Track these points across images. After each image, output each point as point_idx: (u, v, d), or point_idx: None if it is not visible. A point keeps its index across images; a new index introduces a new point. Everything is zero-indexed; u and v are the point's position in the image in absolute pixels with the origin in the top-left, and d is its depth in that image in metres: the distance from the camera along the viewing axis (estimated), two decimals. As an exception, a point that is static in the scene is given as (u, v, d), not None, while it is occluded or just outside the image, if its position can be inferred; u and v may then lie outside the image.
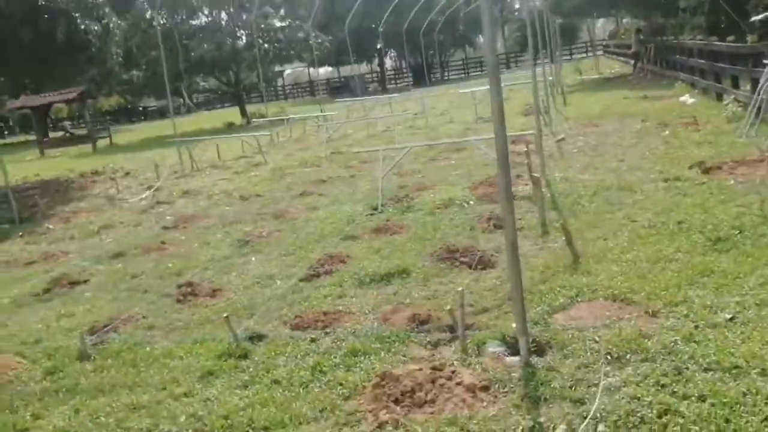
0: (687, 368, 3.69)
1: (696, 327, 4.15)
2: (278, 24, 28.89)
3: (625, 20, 46.96)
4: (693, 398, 3.39)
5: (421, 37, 42.40)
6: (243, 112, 30.88)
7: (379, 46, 48.64)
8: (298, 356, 4.53)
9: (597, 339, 4.16)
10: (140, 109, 60.62)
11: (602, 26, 65.73)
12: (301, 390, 4.06)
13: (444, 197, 8.49)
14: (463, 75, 58.83)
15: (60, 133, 32.11)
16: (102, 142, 27.96)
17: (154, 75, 30.06)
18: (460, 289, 4.54)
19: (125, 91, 52.77)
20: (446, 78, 56.69)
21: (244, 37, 28.95)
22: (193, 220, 9.44)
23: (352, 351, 4.46)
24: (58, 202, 12.79)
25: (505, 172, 4.15)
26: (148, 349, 5.00)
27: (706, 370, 3.65)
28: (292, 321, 5.20)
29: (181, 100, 57.56)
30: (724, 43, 13.94)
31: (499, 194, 7.66)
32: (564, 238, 6.01)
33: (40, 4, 11.93)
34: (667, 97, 16.34)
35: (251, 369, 4.43)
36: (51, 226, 10.34)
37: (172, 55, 27.57)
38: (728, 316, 4.24)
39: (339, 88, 52.37)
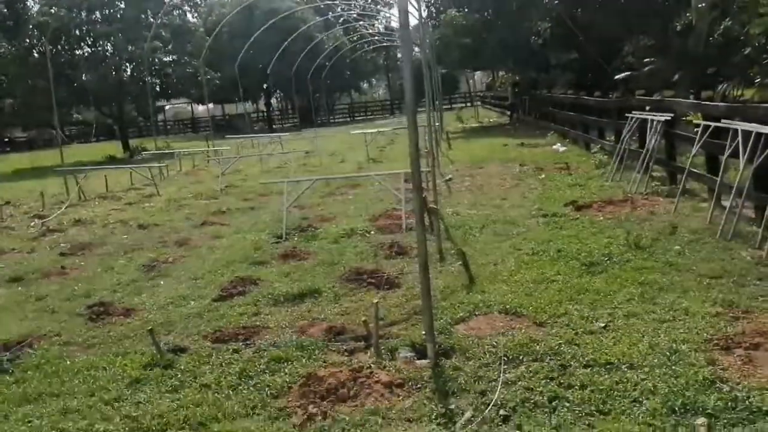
0: (570, 365, 4.34)
1: (576, 333, 4.85)
2: (166, 59, 28.68)
3: (501, 73, 49.93)
4: (576, 387, 4.03)
5: (308, 81, 43.27)
6: (126, 146, 30.22)
7: (265, 86, 49.08)
8: (223, 364, 4.83)
9: (494, 344, 4.76)
10: (6, 140, 57.36)
11: (479, 78, 69.25)
12: (230, 392, 4.37)
13: (346, 227, 8.99)
14: (348, 119, 60.14)
15: None
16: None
17: (26, 105, 28.97)
18: (375, 300, 5.04)
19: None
20: (332, 121, 57.73)
21: (129, 70, 28.49)
22: (91, 248, 9.40)
23: (275, 358, 4.82)
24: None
25: (419, 197, 4.73)
26: (68, 362, 5.12)
27: (585, 366, 4.31)
28: (212, 335, 5.48)
29: (54, 131, 55.19)
30: (591, 98, 15.48)
31: (400, 224, 8.30)
32: (460, 263, 6.66)
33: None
34: (542, 145, 17.80)
35: (179, 376, 4.68)
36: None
37: (51, 85, 26.71)
38: (602, 325, 4.98)
39: (224, 126, 52.11)
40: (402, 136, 24.31)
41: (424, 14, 29.38)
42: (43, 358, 5.24)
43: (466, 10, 26.38)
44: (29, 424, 4.14)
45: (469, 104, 57.23)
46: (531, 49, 22.92)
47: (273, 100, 59.06)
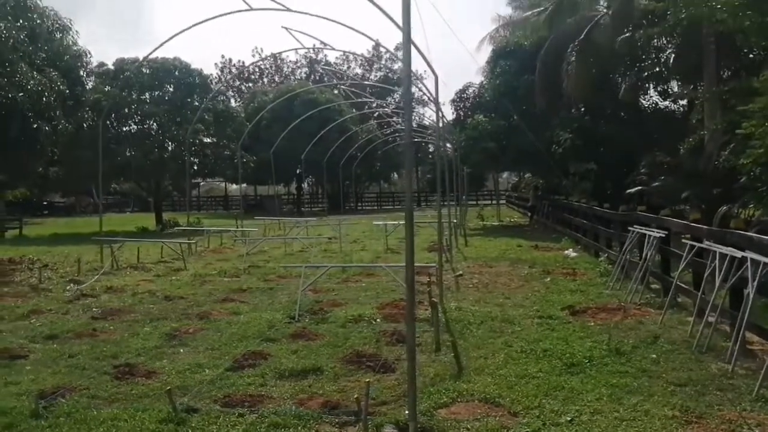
0: (532, 451, 4.94)
1: (544, 424, 5.44)
2: (207, 140, 30.36)
3: (527, 175, 51.16)
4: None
5: (340, 168, 44.83)
6: (159, 219, 31.53)
7: (298, 171, 50.82)
8: (229, 426, 5.50)
9: (468, 428, 5.37)
10: (44, 203, 59.51)
11: (507, 177, 70.62)
12: (232, 449, 5.03)
13: (354, 313, 9.69)
14: (376, 207, 61.56)
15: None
16: (11, 233, 27.78)
17: (71, 174, 30.62)
18: (367, 380, 5.71)
19: (36, 184, 52.24)
20: (360, 208, 59.13)
21: (170, 148, 30.14)
22: (120, 314, 10.19)
23: (274, 424, 5.48)
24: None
25: (410, 294, 5.47)
26: (95, 413, 5.81)
27: (546, 453, 4.91)
28: (222, 400, 6.15)
29: (91, 199, 57.39)
30: (601, 209, 16.25)
31: (404, 313, 8.95)
32: (452, 354, 7.30)
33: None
34: (555, 249, 18.49)
35: (191, 431, 5.35)
36: (-26, 309, 10.79)
37: (97, 157, 28.37)
38: (568, 418, 5.57)
39: (254, 206, 53.72)
40: (423, 229, 25.27)
41: (453, 117, 30.88)
42: (73, 407, 5.93)
43: (492, 115, 27.70)
44: (59, 462, 4.82)
45: (494, 202, 58.37)
46: (552, 156, 23.95)
47: (304, 184, 60.79)
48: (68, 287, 12.78)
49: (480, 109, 28.67)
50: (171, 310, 10.50)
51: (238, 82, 63.08)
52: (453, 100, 29.77)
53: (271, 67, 67.08)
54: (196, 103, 30.50)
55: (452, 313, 9.73)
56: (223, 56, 63.90)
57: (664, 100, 25.95)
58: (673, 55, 21.09)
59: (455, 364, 7.03)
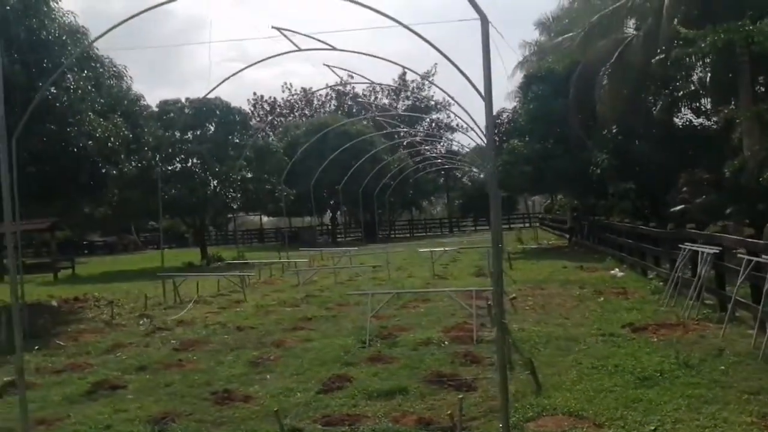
0: (625, 458, 5.31)
1: (630, 434, 5.81)
2: (248, 175, 31.21)
3: (559, 197, 51.27)
4: (629, 473, 4.98)
5: (374, 198, 45.46)
6: (203, 254, 32.32)
7: (332, 202, 51.56)
8: (335, 443, 5.94)
9: (560, 439, 5.75)
10: (84, 243, 60.82)
11: (538, 200, 70.69)
12: (346, 463, 5.46)
13: (422, 337, 10.12)
14: (408, 234, 61.94)
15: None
16: (63, 273, 28.71)
17: (121, 213, 31.63)
18: (459, 396, 6.12)
19: (79, 225, 53.61)
20: (393, 236, 59.56)
21: (213, 184, 31.04)
22: (198, 345, 10.73)
23: (378, 440, 5.91)
24: (56, 323, 13.82)
25: (499, 311, 5.90)
26: (208, 434, 6.30)
27: (637, 459, 5.27)
28: (321, 420, 6.60)
29: (132, 237, 58.79)
30: (647, 228, 16.52)
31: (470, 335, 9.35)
32: (528, 372, 7.67)
33: (69, 149, 13.65)
34: (600, 269, 18.73)
35: (301, 450, 5.81)
36: (62, 343, 11.41)
37: (145, 196, 29.32)
38: (652, 428, 5.92)
39: (291, 237, 54.44)
40: (464, 255, 25.67)
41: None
42: (186, 430, 6.43)
43: (527, 139, 28.11)
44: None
45: (527, 225, 58.50)
46: (589, 177, 24.24)
47: (338, 214, 61.48)
48: (141, 322, 13.39)
49: (515, 133, 29.12)
50: (246, 339, 11.02)
51: (270, 117, 64.35)
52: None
53: (301, 101, 68.36)
54: (237, 140, 31.44)
55: (516, 334, 10.07)
56: (255, 93, 65.26)
57: (698, 117, 26.16)
58: (707, 74, 21.36)
59: (533, 382, 7.39)
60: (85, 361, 9.85)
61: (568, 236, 32.36)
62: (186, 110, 30.64)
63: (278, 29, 15.40)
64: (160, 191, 27.91)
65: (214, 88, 25.39)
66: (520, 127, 28.76)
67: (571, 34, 25.74)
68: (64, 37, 13.84)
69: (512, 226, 57.02)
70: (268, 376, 8.45)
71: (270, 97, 69.29)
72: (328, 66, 20.96)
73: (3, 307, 17.10)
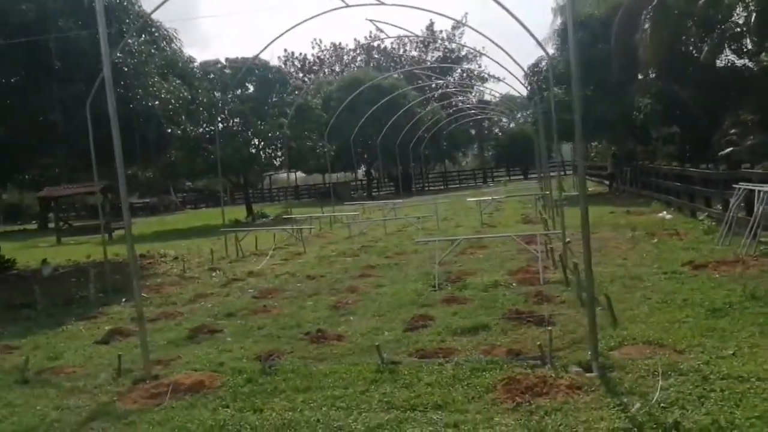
0: (710, 378, 5.72)
1: (710, 358, 6.22)
2: (289, 133, 31.68)
3: (593, 143, 50.94)
4: (717, 391, 5.42)
5: (409, 151, 45.69)
6: (249, 211, 33.09)
7: (366, 157, 51.96)
8: (435, 372, 6.46)
9: (644, 364, 6.20)
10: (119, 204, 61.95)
11: (568, 148, 70.17)
12: (450, 388, 5.99)
13: (489, 280, 10.60)
14: (442, 186, 62.25)
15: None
16: (117, 233, 29.66)
17: (163, 174, 32.45)
18: (549, 328, 6.59)
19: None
20: (427, 188, 59.90)
21: (256, 143, 31.59)
22: (275, 293, 11.35)
23: (475, 368, 6.41)
24: (126, 278, 14.55)
25: (587, 251, 6.30)
26: (314, 369, 6.87)
27: (722, 378, 5.68)
28: (416, 353, 7.13)
29: (172, 197, 59.99)
30: (697, 170, 16.69)
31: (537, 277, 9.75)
32: (600, 308, 8.11)
33: (136, 111, 14.21)
34: (647, 213, 18.98)
35: (405, 378, 6.34)
36: (146, 295, 12.11)
37: (189, 156, 30.01)
38: (731, 352, 6.33)
39: (326, 193, 55.14)
40: (507, 203, 26.01)
41: (528, 91, 31.35)
42: (293, 366, 7.01)
43: (565, 87, 28.04)
44: (311, 404, 5.87)
45: (563, 172, 58.33)
46: (631, 123, 24.26)
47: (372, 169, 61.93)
48: (213, 274, 14.07)
49: (555, 81, 29.01)
50: (318, 286, 11.62)
51: (301, 74, 64.49)
52: (526, 74, 30.22)
53: (331, 57, 68.32)
54: (275, 99, 31.84)
55: (581, 274, 10.48)
56: (285, 50, 65.35)
57: (740, 58, 25.84)
58: (753, 14, 21.09)
59: (609, 316, 7.83)
60: (176, 310, 10.52)
61: (608, 182, 32.40)
62: (226, 70, 31.04)
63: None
64: (207, 151, 28.66)
65: (264, 49, 25.42)
66: (559, 74, 28.64)
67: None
68: (124, 3, 14.29)
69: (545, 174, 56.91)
70: (351, 318, 9.01)
71: (300, 54, 69.34)
72: (372, 20, 21.20)
73: (77, 265, 18.00)
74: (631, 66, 24.93)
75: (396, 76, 54.06)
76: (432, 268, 12.42)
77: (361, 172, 61.27)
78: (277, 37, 30.04)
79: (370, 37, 67.15)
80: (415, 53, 69.33)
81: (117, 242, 27.68)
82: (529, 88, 31.56)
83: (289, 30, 16.40)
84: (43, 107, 13.44)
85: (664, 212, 18.13)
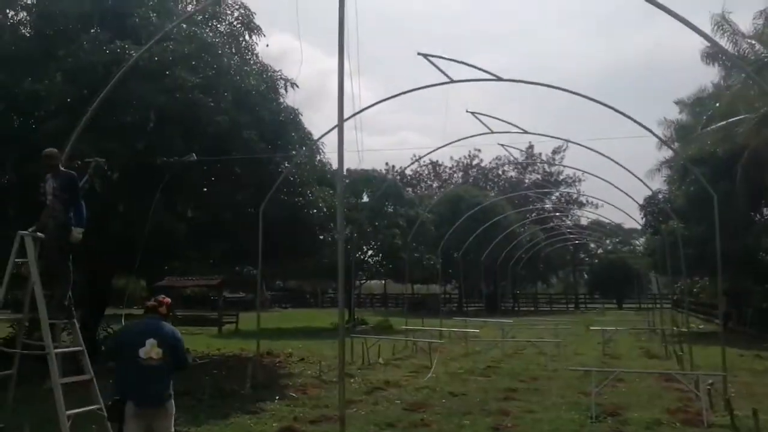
0: None
1: None
2: (399, 242, 32.47)
3: (695, 279, 49.53)
4: None
5: (505, 268, 45.63)
6: (351, 316, 33.58)
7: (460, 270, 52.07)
8: None
9: None
10: (212, 298, 64.09)
11: (660, 281, 68.33)
12: None
13: (649, 417, 10.43)
14: (533, 308, 61.23)
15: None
16: (227, 328, 30.65)
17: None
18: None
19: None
20: (516, 309, 59.04)
21: (366, 250, 32.49)
22: (425, 407, 11.47)
23: None
24: (270, 375, 15.07)
25: None
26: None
27: None
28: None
29: (267, 294, 61.46)
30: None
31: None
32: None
33: (298, 217, 15.27)
34: (781, 359, 18.28)
35: None
36: (294, 395, 12.51)
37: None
38: None
39: (417, 305, 55.29)
40: (619, 334, 25.47)
41: (642, 222, 31.30)
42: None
43: (683, 222, 27.89)
44: None
45: (658, 305, 56.64)
46: (758, 262, 23.79)
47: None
48: (351, 380, 14.34)
49: (673, 215, 28.94)
50: (465, 405, 11.68)
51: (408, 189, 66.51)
52: (642, 206, 30.29)
53: (429, 173, 70.26)
54: (390, 210, 32.99)
55: (745, 421, 10.18)
56: (387, 163, 67.64)
57: None
58: None
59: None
60: (335, 414, 10.77)
61: (721, 321, 31.27)
62: (346, 180, 32.56)
63: (473, 113, 16.64)
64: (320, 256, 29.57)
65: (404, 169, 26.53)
66: (678, 209, 28.57)
67: (740, 117, 25.57)
68: (292, 116, 15.62)
69: (642, 306, 55.43)
70: (519, 446, 9.06)
71: (400, 167, 71.62)
72: (502, 145, 21.93)
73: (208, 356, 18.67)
74: (756, 206, 24.70)
75: (492, 194, 55.06)
76: (576, 396, 12.41)
77: (449, 286, 61.31)
78: (417, 159, 31.42)
79: (469, 156, 69.18)
80: (512, 174, 70.37)
81: (225, 336, 28.65)
82: (644, 219, 31.49)
83: (430, 153, 17.14)
84: (221, 206, 14.61)
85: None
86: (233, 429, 9.91)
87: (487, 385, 13.99)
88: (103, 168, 9.16)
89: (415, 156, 72.42)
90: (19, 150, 12.28)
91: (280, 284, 69.28)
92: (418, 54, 12.93)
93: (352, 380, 14.36)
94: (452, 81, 13.34)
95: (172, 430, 6.66)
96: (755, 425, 8.91)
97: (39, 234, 7.92)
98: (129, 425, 6.35)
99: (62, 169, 8.15)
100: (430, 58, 13.05)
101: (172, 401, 6.60)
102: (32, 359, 8.22)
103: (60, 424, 7.18)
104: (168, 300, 6.98)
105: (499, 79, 13.11)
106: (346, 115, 7.49)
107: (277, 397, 12.20)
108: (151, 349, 6.35)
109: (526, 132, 17.23)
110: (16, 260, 7.87)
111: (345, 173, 30.35)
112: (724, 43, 26.51)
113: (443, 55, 13.06)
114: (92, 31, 14.36)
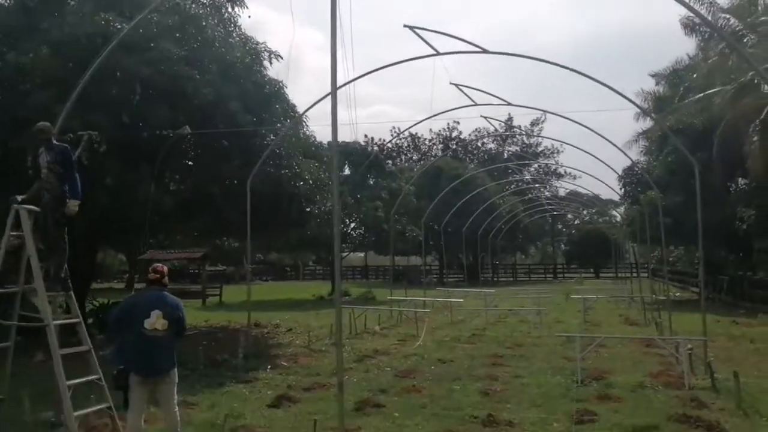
0: None
1: None
2: (380, 214, 32.62)
3: (671, 248, 50.31)
4: None
5: (483, 240, 46.06)
6: (334, 288, 33.87)
7: (441, 243, 52.54)
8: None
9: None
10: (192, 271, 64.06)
11: (638, 249, 69.28)
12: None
13: (633, 381, 10.77)
14: (511, 279, 61.99)
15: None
16: (210, 300, 30.73)
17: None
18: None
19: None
20: (496, 280, 59.69)
21: (349, 222, 32.66)
22: (414, 373, 11.73)
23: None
24: (260, 346, 15.24)
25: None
26: None
27: None
28: (598, 447, 7.40)
29: (246, 267, 61.54)
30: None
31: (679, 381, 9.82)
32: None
33: (283, 189, 15.32)
34: (757, 324, 18.83)
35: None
36: (285, 364, 12.70)
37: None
38: None
39: (399, 276, 55.69)
40: (599, 302, 25.99)
41: (621, 192, 31.73)
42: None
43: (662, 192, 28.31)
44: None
45: (635, 274, 57.61)
46: (732, 232, 24.29)
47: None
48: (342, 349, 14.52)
49: (648, 185, 29.39)
50: (454, 371, 11.95)
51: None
52: (621, 176, 30.66)
53: (408, 146, 70.19)
54: (371, 182, 33.11)
55: (725, 384, 10.51)
56: (366, 135, 67.31)
57: None
58: None
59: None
60: (326, 382, 10.99)
61: (702, 289, 31.96)
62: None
63: (456, 85, 16.73)
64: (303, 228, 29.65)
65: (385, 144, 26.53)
66: (657, 179, 28.98)
67: (717, 89, 25.89)
68: (276, 88, 15.60)
69: (619, 275, 56.38)
70: (508, 405, 9.31)
71: (380, 139, 71.49)
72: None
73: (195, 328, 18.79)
74: (733, 175, 25.14)
75: (472, 165, 55.34)
76: (561, 362, 12.74)
77: (429, 258, 61.71)
78: (396, 135, 31.38)
79: (448, 129, 69.18)
80: (492, 146, 70.61)
81: (210, 308, 28.77)
82: (622, 189, 31.89)
83: (415, 124, 17.22)
84: (207, 179, 14.63)
85: (778, 325, 17.96)
86: (229, 397, 10.07)
87: (474, 352, 14.29)
88: (95, 141, 9.15)
89: (395, 128, 72.10)
90: (6, 123, 12.17)
91: (260, 257, 69.30)
92: (404, 26, 12.96)
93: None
94: (438, 53, 13.42)
95: (176, 397, 6.81)
96: (735, 387, 9.23)
97: (34, 207, 7.93)
98: (134, 393, 6.49)
99: (55, 142, 8.14)
100: (417, 31, 13.10)
101: (176, 370, 6.74)
102: (18, 333, 8.25)
103: (61, 394, 7.27)
104: (165, 268, 7.10)
105: (486, 51, 13.20)
106: (330, 88, 7.49)
107: (269, 367, 12.39)
108: (156, 321, 6.46)
109: (509, 104, 17.42)
110: (12, 233, 7.90)
111: (326, 146, 30.24)
112: (703, 12, 26.73)
113: (429, 27, 13.13)
114: (73, 3, 14.21)
